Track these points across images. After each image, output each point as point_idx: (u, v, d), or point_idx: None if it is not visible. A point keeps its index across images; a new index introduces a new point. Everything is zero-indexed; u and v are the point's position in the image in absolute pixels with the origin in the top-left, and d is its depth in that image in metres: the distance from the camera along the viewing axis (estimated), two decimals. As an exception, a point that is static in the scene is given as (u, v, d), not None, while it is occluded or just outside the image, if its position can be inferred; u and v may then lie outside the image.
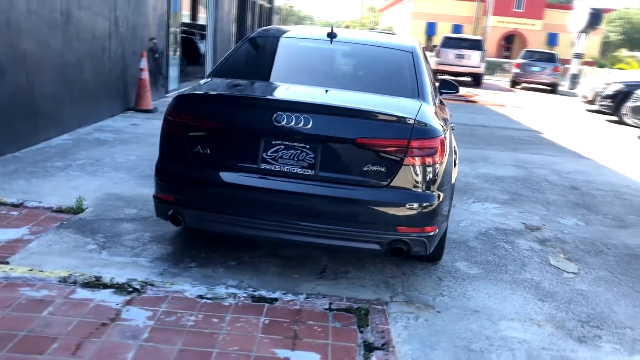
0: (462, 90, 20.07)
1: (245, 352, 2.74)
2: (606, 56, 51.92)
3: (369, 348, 2.86)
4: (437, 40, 51.13)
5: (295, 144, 3.18)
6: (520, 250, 4.50)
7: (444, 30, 51.34)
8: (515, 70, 24.06)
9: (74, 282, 3.26)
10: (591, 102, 16.62)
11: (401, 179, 3.18)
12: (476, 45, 22.71)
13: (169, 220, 3.47)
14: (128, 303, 3.10)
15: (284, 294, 3.35)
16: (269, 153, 3.21)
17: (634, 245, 4.86)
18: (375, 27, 64.85)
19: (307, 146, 3.17)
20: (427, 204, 3.23)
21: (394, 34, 23.33)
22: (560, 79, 24.60)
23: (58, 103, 6.96)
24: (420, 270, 3.91)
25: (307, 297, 3.33)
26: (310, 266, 3.83)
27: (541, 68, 23.49)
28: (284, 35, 4.53)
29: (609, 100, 14.43)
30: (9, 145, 5.97)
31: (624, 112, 13.87)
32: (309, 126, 3.14)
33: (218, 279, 3.52)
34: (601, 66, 29.67)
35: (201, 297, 3.23)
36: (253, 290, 3.36)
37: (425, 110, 3.42)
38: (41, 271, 3.36)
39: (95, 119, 8.18)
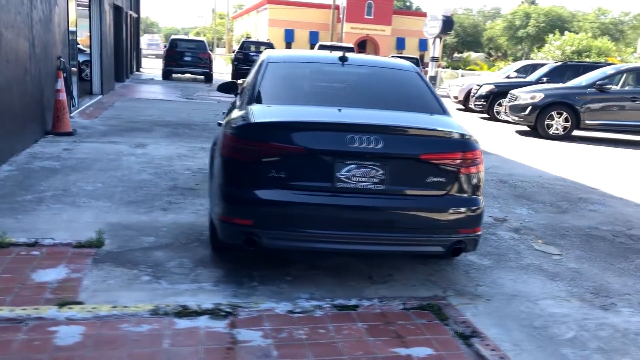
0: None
1: (370, 355, 3.02)
2: (452, 58, 56.60)
3: (463, 337, 3.27)
4: (297, 47, 52.51)
5: (367, 163, 3.51)
6: (505, 240, 5.16)
7: (302, 37, 52.92)
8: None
9: (166, 314, 3.30)
10: (461, 102, 18.41)
11: (458, 187, 3.64)
12: (349, 51, 23.85)
13: (243, 242, 3.60)
14: (232, 326, 3.22)
15: (359, 300, 3.65)
16: (342, 172, 3.50)
17: (583, 227, 5.77)
18: (232, 34, 64.78)
19: (378, 164, 3.51)
20: (477, 207, 3.72)
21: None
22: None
23: (-5, 132, 6.50)
24: (445, 266, 4.40)
25: (380, 301, 3.67)
26: (356, 273, 4.15)
27: (407, 72, 25.24)
28: (298, 60, 4.79)
29: (482, 100, 16.11)
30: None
31: (496, 111, 15.59)
32: (379, 146, 3.48)
33: (289, 294, 3.72)
34: (455, 68, 32.51)
35: (291, 312, 3.44)
36: (331, 300, 3.62)
37: (462, 125, 3.92)
38: (125, 307, 3.34)
39: (23, 145, 7.67)
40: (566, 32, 31.27)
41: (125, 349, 2.91)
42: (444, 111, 4.16)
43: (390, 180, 3.53)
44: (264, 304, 3.51)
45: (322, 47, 23.95)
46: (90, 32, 14.71)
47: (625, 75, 12.95)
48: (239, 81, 6.04)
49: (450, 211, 3.62)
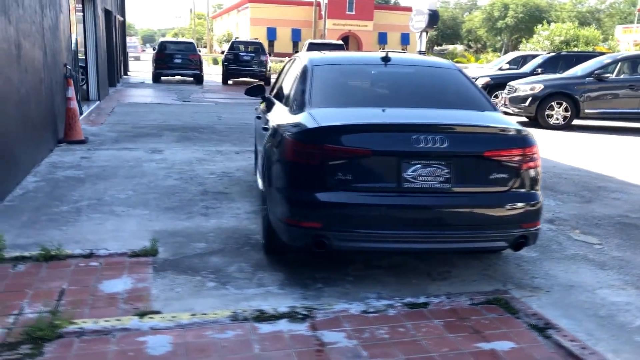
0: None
1: (456, 351, 3.08)
2: (432, 51, 56.95)
3: (538, 329, 3.35)
4: (280, 45, 52.49)
5: (432, 162, 3.56)
6: (544, 231, 5.25)
7: (284, 35, 52.87)
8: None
9: (245, 319, 3.33)
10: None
11: (519, 183, 3.72)
12: (339, 48, 23.92)
13: (311, 245, 3.63)
14: (314, 328, 3.26)
15: (427, 298, 3.71)
16: (409, 172, 3.55)
17: (613, 215, 5.89)
18: (212, 34, 64.44)
19: (443, 163, 3.57)
20: (537, 201, 3.80)
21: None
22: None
23: (18, 142, 6.43)
24: (497, 260, 4.47)
25: (448, 297, 3.73)
26: (415, 271, 4.21)
27: (397, 67, 25.39)
28: (342, 62, 4.83)
29: (478, 92, 16.23)
30: (-3, 194, 5.48)
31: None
32: (444, 145, 3.54)
33: (356, 294, 3.77)
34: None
35: (365, 312, 3.48)
36: (400, 299, 3.68)
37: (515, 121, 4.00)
38: (204, 314, 3.37)
39: (42, 155, 7.62)
40: (553, 23, 31.74)
41: (218, 356, 2.94)
42: (493, 108, 4.24)
43: (455, 179, 3.59)
44: (337, 305, 3.55)
45: (311, 45, 23.94)
46: (85, 38, 14.57)
47: (620, 63, 13.17)
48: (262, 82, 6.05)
49: (514, 206, 3.70)
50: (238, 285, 3.85)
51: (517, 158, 3.69)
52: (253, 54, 23.47)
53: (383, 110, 3.99)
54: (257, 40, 25.98)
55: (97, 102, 14.47)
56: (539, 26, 31.49)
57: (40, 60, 7.64)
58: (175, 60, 22.75)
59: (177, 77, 23.98)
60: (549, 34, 28.71)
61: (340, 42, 24.79)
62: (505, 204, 3.68)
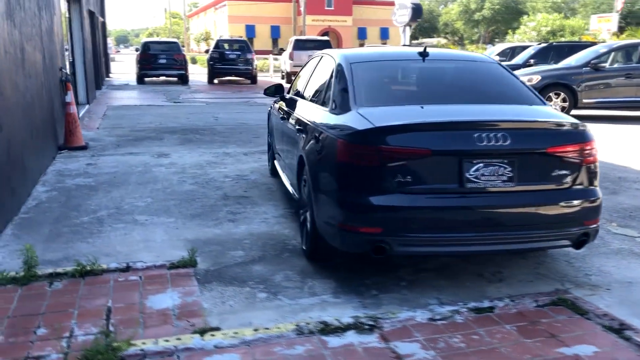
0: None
1: (539, 357, 2.94)
2: (411, 45, 56.83)
3: (614, 330, 3.23)
4: (259, 42, 52.02)
5: (494, 160, 3.43)
6: (581, 226, 5.16)
7: (263, 32, 52.49)
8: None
9: (311, 332, 3.16)
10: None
11: (581, 179, 3.60)
12: (325, 44, 23.77)
13: (370, 250, 3.47)
14: (384, 339, 3.10)
15: (490, 301, 3.58)
16: (471, 172, 3.41)
17: (643, 207, 5.84)
18: (189, 33, 63.73)
19: (505, 161, 3.44)
20: (597, 197, 3.69)
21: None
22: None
23: (27, 150, 6.16)
24: (545, 258, 4.36)
25: (512, 300, 3.60)
26: (466, 273, 4.07)
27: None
28: (379, 59, 4.66)
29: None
30: (10, 206, 5.21)
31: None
32: (507, 142, 3.40)
33: (415, 300, 3.63)
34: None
35: (432, 319, 3.33)
36: (463, 304, 3.53)
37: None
38: (267, 329, 3.19)
39: (47, 163, 7.34)
40: (539, 13, 31.94)
41: (296, 375, 2.77)
42: (542, 101, 4.12)
43: (518, 177, 3.46)
44: (401, 313, 3.39)
45: (297, 42, 23.74)
46: (71, 40, 14.19)
47: (615, 53, 13.22)
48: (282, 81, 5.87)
49: (576, 203, 3.58)
50: (290, 295, 3.68)
51: (578, 153, 3.57)
52: (239, 52, 23.18)
53: (433, 108, 3.84)
54: (243, 38, 25.68)
55: (87, 106, 14.10)
56: (525, 17, 31.72)
57: (41, 64, 7.35)
58: (160, 61, 22.36)
59: (162, 78, 23.57)
60: (536, 25, 28.90)
61: (326, 38, 24.60)
62: (569, 201, 3.56)
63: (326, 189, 3.72)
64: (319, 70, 5.07)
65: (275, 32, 53.18)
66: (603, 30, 36.64)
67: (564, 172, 3.55)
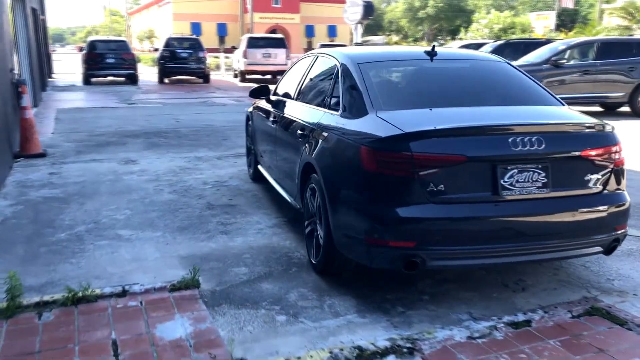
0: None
1: (595, 375, 2.78)
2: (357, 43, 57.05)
3: (658, 340, 3.11)
4: (205, 40, 50.95)
5: (529, 166, 3.24)
6: (582, 226, 5.08)
7: (209, 30, 51.47)
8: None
9: (348, 360, 2.89)
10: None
11: (612, 182, 3.46)
12: (279, 43, 23.44)
13: (401, 266, 3.23)
14: (429, 364, 2.87)
15: (524, 314, 3.39)
16: (505, 179, 3.21)
17: None
18: (131, 31, 61.88)
19: (539, 166, 3.25)
20: (626, 201, 3.56)
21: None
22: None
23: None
24: (562, 263, 4.22)
25: (545, 312, 3.43)
26: (488, 283, 3.88)
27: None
28: (387, 59, 4.39)
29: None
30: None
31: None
32: (542, 146, 3.22)
33: (446, 316, 3.41)
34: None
35: (471, 338, 3.12)
36: (498, 319, 3.34)
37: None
38: (299, 357, 2.89)
39: (5, 173, 6.75)
40: (492, 12, 32.59)
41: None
42: (560, 102, 3.97)
43: (553, 183, 3.29)
44: (437, 332, 3.16)
45: (251, 40, 23.27)
46: (16, 39, 13.33)
47: (571, 50, 13.46)
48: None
49: (609, 208, 3.44)
50: (312, 316, 3.39)
51: (609, 156, 3.43)
52: (190, 51, 22.52)
53: (458, 111, 3.62)
54: (194, 36, 24.98)
55: (35, 109, 13.28)
56: (476, 14, 32.25)
57: (-4, 66, 6.75)
58: (108, 60, 21.45)
59: (109, 78, 22.61)
60: (488, 22, 29.41)
61: (281, 36, 24.22)
62: (602, 206, 3.42)
63: (348, 200, 3.45)
64: (315, 71, 4.79)
65: (222, 30, 52.28)
66: (539, 27, 37.77)
67: (596, 175, 3.40)
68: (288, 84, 5.49)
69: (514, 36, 27.20)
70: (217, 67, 29.38)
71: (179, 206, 5.62)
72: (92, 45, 21.88)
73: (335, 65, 4.26)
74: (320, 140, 3.90)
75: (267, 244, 4.60)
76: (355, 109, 3.70)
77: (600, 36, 21.45)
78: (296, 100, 4.89)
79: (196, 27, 51.18)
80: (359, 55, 4.38)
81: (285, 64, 23.48)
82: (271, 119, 5.29)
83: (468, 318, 3.38)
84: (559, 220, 3.34)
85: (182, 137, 9.87)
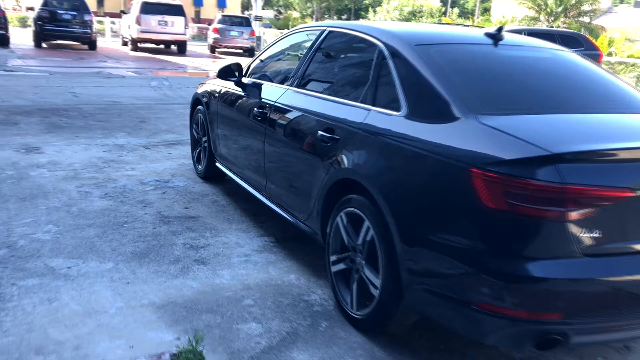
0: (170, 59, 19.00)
1: None
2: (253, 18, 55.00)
3: None
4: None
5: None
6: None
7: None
8: (214, 35, 23.76)
9: None
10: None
11: None
12: (177, 10, 21.47)
13: (530, 344, 2.27)
14: None
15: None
16: (668, 220, 2.33)
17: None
18: None
19: None
20: None
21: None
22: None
23: None
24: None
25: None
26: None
27: (239, 33, 23.76)
28: (445, 42, 3.28)
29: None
30: None
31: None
32: None
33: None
34: (279, 28, 31.58)
35: None
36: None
37: None
38: None
39: None
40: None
41: None
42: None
43: None
44: None
45: (146, 5, 20.98)
46: None
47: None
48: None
49: None
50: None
51: None
52: (74, 13, 19.83)
53: (580, 119, 2.67)
54: (176, 3, 22.15)
55: None
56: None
57: None
58: (-29, 18, 18.32)
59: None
60: (398, 5, 29.04)
61: (179, 3, 22.10)
62: None
63: (445, 245, 2.40)
64: (330, 51, 3.66)
65: None
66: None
67: None
68: (270, 65, 4.30)
69: (424, 20, 27.14)
70: (101, 33, 26.55)
71: (120, 218, 4.25)
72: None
73: (376, 46, 3.16)
74: (372, 150, 2.82)
75: (266, 280, 3.45)
76: (434, 110, 2.64)
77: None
78: (298, 87, 3.73)
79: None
80: (411, 34, 3.31)
81: (184, 34, 21.67)
82: (255, 109, 4.06)
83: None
84: None
85: (87, 116, 8.18)
